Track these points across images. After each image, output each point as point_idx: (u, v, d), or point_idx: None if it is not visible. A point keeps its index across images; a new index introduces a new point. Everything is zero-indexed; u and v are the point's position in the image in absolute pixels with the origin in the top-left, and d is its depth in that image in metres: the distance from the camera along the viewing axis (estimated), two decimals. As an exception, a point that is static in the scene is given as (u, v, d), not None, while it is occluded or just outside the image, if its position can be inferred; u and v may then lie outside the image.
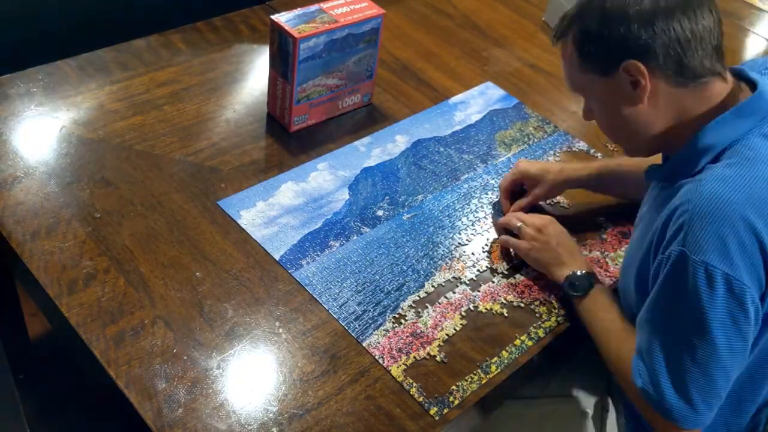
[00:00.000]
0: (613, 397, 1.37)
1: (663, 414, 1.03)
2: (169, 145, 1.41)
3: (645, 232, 1.11)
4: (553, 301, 1.25)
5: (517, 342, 1.18)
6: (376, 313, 1.19)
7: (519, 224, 1.29)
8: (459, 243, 1.33)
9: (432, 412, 1.07)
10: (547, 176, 1.36)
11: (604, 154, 1.56)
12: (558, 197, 1.44)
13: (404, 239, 1.33)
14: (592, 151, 1.57)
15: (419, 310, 1.21)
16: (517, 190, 1.40)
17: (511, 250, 1.31)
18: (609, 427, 1.35)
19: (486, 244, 1.34)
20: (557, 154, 1.55)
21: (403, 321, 1.19)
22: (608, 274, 1.31)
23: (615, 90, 1.06)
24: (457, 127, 1.58)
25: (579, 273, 1.20)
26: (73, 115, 1.43)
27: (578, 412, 1.35)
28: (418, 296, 1.23)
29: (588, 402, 1.36)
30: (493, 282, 1.27)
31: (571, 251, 1.25)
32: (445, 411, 1.08)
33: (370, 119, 1.56)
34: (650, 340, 1.03)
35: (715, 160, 1.04)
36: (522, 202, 1.37)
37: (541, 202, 1.42)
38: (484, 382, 1.13)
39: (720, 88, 1.06)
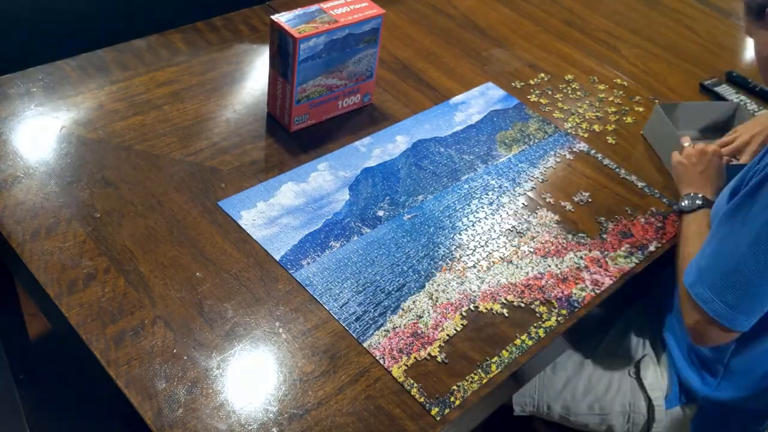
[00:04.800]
0: (657, 352, 1.46)
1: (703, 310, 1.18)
2: (169, 145, 1.41)
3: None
4: (553, 301, 1.25)
5: (518, 342, 1.18)
6: (376, 314, 1.19)
7: (686, 144, 1.47)
8: (459, 243, 1.33)
9: (433, 412, 1.07)
10: None
11: (603, 156, 1.56)
12: (563, 202, 1.44)
13: (405, 240, 1.32)
14: (592, 152, 1.57)
15: (420, 310, 1.21)
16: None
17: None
18: (650, 380, 1.42)
19: (486, 245, 1.34)
20: (558, 155, 1.55)
21: (403, 321, 1.19)
22: (608, 273, 1.31)
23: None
24: (458, 128, 1.58)
25: (694, 194, 1.36)
26: (73, 115, 1.43)
27: (624, 370, 1.44)
28: (419, 296, 1.23)
29: (632, 359, 1.45)
30: (494, 282, 1.27)
31: (707, 180, 1.39)
32: (446, 411, 1.08)
33: (370, 119, 1.56)
34: (713, 236, 1.20)
35: None
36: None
37: (543, 197, 1.42)
38: (484, 382, 1.13)
39: None
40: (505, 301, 1.24)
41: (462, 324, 1.20)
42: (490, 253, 1.32)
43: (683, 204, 1.38)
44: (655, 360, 1.43)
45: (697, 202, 1.36)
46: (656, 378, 1.41)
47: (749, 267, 1.13)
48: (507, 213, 1.40)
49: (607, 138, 1.61)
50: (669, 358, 1.42)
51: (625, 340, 1.48)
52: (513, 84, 1.72)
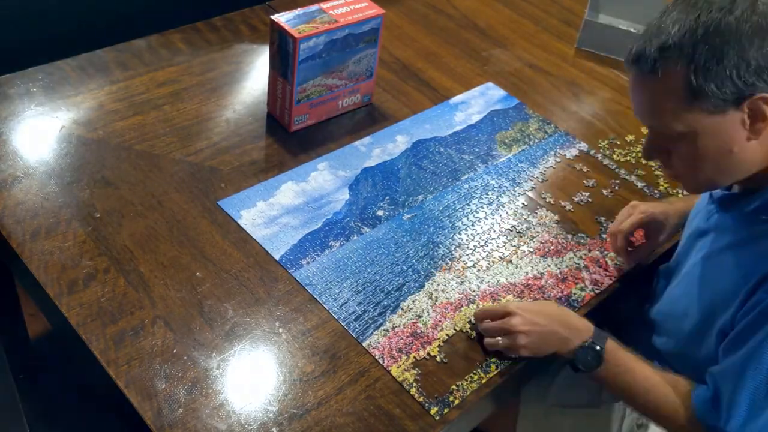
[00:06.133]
0: None
1: None
2: (169, 145, 1.41)
3: (733, 267, 1.07)
4: (552, 301, 1.25)
5: (517, 342, 1.18)
6: (376, 313, 1.19)
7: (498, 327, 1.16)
8: (459, 243, 1.33)
9: (432, 412, 1.07)
10: (670, 220, 1.31)
11: (603, 156, 1.56)
12: (563, 201, 1.44)
13: (404, 239, 1.32)
14: (592, 152, 1.57)
15: (419, 310, 1.21)
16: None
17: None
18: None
19: (486, 244, 1.34)
20: (558, 155, 1.55)
21: (403, 321, 1.19)
22: (608, 273, 1.31)
23: (728, 125, 0.98)
24: (458, 128, 1.58)
25: (584, 345, 1.11)
26: (73, 115, 1.43)
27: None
28: (418, 296, 1.23)
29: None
30: (493, 282, 1.27)
31: (564, 322, 1.14)
32: (446, 411, 1.08)
33: (370, 119, 1.56)
34: (738, 377, 1.01)
35: None
36: (644, 251, 1.32)
37: (543, 197, 1.42)
38: (484, 381, 1.13)
39: None
40: (504, 301, 1.24)
41: (461, 324, 1.20)
42: (489, 253, 1.32)
43: (580, 365, 1.12)
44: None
45: (594, 348, 1.11)
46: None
47: None
48: (507, 213, 1.40)
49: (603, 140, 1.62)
50: None
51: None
52: (513, 84, 1.72)
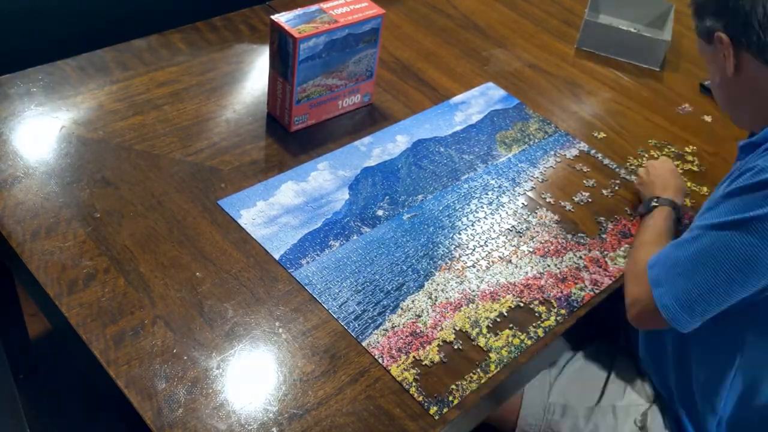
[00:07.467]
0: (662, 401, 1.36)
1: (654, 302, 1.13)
2: (169, 145, 1.41)
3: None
4: (552, 301, 1.25)
5: (517, 341, 1.19)
6: (375, 313, 1.19)
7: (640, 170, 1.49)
8: (459, 243, 1.33)
9: (432, 411, 1.07)
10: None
11: (604, 155, 1.56)
12: (563, 201, 1.44)
13: (404, 239, 1.33)
14: (592, 152, 1.57)
15: (419, 309, 1.21)
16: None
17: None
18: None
19: (486, 244, 1.34)
20: (558, 155, 1.55)
21: (402, 321, 1.19)
22: (608, 273, 1.31)
23: (714, 58, 1.17)
24: (458, 128, 1.58)
25: (650, 198, 1.37)
26: (73, 115, 1.44)
27: (630, 418, 1.35)
28: (418, 296, 1.23)
29: (638, 408, 1.35)
30: (493, 282, 1.27)
31: (661, 183, 1.41)
32: (445, 411, 1.08)
33: (370, 119, 1.56)
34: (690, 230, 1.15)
35: None
36: None
37: (543, 197, 1.42)
38: (483, 381, 1.13)
39: None
40: (504, 301, 1.24)
41: (461, 323, 1.20)
42: (489, 253, 1.32)
43: (640, 208, 1.40)
44: (659, 409, 1.34)
45: (653, 203, 1.36)
46: (661, 428, 1.33)
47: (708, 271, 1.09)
48: (507, 213, 1.40)
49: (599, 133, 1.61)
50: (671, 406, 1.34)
51: (627, 388, 1.38)
52: (513, 84, 1.72)
